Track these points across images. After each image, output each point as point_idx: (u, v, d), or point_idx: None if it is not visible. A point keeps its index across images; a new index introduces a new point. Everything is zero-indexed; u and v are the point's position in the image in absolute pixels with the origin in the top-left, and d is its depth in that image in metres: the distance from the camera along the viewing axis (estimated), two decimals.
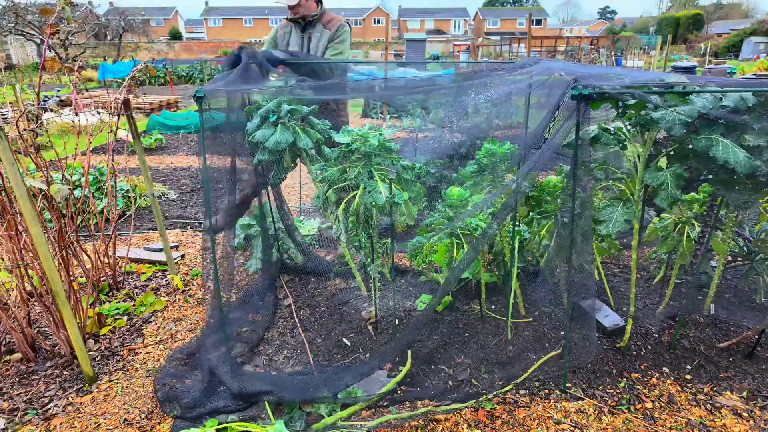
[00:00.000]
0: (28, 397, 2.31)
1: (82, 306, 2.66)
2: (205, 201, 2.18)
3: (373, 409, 2.17)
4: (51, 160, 3.15)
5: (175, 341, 2.75)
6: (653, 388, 2.27)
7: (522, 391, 2.27)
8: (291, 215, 3.51)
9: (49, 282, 2.22)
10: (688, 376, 2.34)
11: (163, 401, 2.20)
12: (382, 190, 2.39)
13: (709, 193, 2.40)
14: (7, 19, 22.90)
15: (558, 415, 2.13)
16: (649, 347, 2.53)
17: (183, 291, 3.30)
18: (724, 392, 2.23)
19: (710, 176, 2.13)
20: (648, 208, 2.48)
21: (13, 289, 2.54)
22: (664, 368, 2.39)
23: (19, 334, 2.46)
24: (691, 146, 2.00)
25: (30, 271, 2.50)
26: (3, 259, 2.49)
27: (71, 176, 2.80)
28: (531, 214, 2.69)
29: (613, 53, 21.77)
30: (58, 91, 12.46)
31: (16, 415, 2.20)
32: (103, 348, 2.68)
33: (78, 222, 2.85)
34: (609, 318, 2.66)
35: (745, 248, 2.74)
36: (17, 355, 2.56)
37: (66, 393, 2.33)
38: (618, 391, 2.25)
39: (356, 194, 2.51)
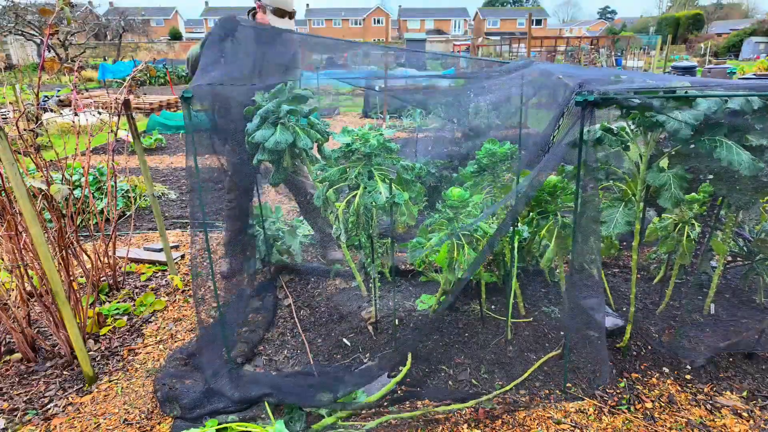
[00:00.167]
0: (28, 397, 2.31)
1: (82, 306, 2.66)
2: (191, 202, 2.17)
3: (373, 409, 2.17)
4: (51, 160, 3.14)
5: (175, 341, 2.75)
6: (653, 388, 2.27)
7: (522, 391, 2.26)
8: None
9: (49, 282, 2.22)
10: (688, 376, 2.34)
11: (163, 401, 2.20)
12: (382, 191, 2.39)
13: (710, 193, 2.40)
14: (7, 19, 22.90)
15: (558, 415, 2.13)
16: (649, 347, 2.53)
17: (183, 291, 3.30)
18: (724, 392, 2.23)
19: (711, 176, 2.13)
20: (649, 208, 2.48)
21: (13, 289, 2.54)
22: (664, 368, 2.39)
23: (19, 334, 2.46)
24: (693, 147, 2.00)
25: (30, 271, 2.50)
26: (3, 259, 2.49)
27: (71, 176, 2.80)
28: (531, 214, 2.69)
29: (613, 53, 21.76)
30: (58, 91, 12.46)
31: (16, 415, 2.20)
32: (103, 348, 2.68)
33: (78, 222, 2.85)
34: (609, 318, 2.66)
35: (745, 248, 2.74)
36: (17, 355, 2.56)
37: (66, 393, 2.33)
38: (618, 391, 2.25)
39: (356, 194, 2.51)
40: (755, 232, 2.71)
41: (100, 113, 4.94)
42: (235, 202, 2.98)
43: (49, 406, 2.25)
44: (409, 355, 2.46)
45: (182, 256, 3.85)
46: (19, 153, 2.49)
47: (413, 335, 2.65)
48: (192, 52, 3.14)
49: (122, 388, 2.37)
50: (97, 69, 20.26)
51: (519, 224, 2.60)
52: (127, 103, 2.90)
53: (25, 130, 2.48)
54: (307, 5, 64.33)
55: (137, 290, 3.31)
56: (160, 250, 3.78)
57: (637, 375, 2.35)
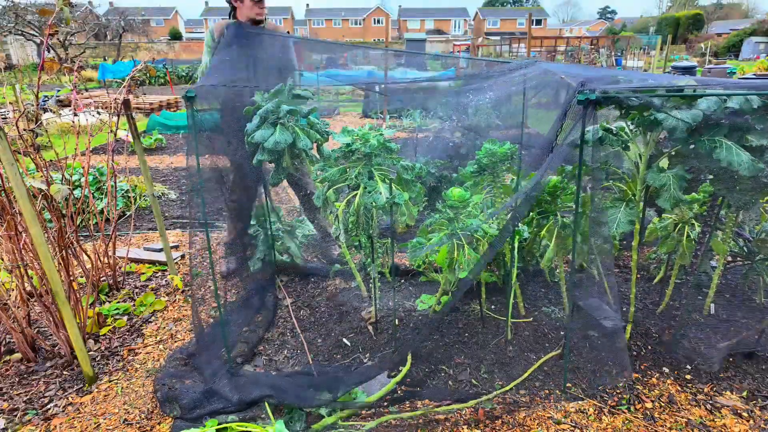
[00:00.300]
0: (28, 397, 2.31)
1: (82, 306, 2.66)
2: (191, 202, 2.17)
3: (373, 409, 2.17)
4: (51, 160, 3.14)
5: (175, 341, 2.75)
6: (653, 388, 2.27)
7: (522, 391, 2.26)
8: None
9: (49, 282, 2.22)
10: (688, 376, 2.34)
11: (163, 401, 2.20)
12: (382, 191, 2.39)
13: (710, 194, 2.40)
14: (7, 19, 22.90)
15: (558, 415, 2.13)
16: (649, 347, 2.53)
17: (183, 291, 3.30)
18: (724, 392, 2.23)
19: (711, 177, 2.13)
20: (649, 208, 2.48)
21: (13, 289, 2.54)
22: (664, 368, 2.39)
23: (19, 334, 2.46)
24: (693, 147, 2.00)
25: (30, 271, 2.50)
26: (3, 259, 2.49)
27: (71, 176, 2.80)
28: (531, 214, 2.69)
29: (613, 53, 21.76)
30: (58, 91, 12.45)
31: (16, 415, 2.20)
32: (103, 348, 2.68)
33: (78, 222, 2.85)
34: (609, 318, 2.66)
35: (745, 248, 2.74)
36: (17, 355, 2.56)
37: (66, 393, 2.33)
38: (618, 391, 2.25)
39: (356, 194, 2.51)
40: (755, 232, 2.71)
41: (99, 113, 4.94)
42: (237, 203, 2.98)
43: (49, 406, 2.25)
44: (409, 355, 2.46)
45: (182, 256, 3.85)
46: (19, 153, 2.49)
47: (413, 335, 2.66)
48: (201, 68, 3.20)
49: (122, 388, 2.37)
50: (97, 69, 20.27)
51: (519, 224, 2.60)
52: (126, 103, 2.90)
53: (25, 130, 2.48)
54: (307, 5, 64.33)
55: (137, 290, 3.31)
56: (160, 250, 3.78)
57: (637, 375, 2.35)
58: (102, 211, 4.19)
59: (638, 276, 3.18)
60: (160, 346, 2.71)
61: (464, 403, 2.16)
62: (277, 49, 3.17)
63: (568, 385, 2.29)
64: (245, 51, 2.80)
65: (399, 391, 2.27)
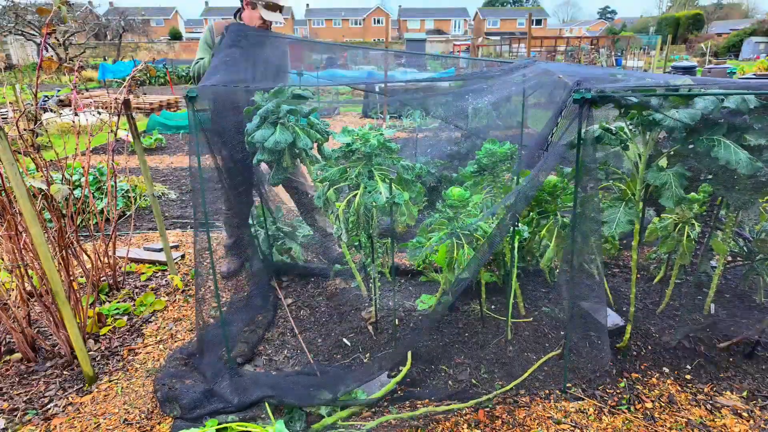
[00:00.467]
0: (28, 397, 2.31)
1: (82, 306, 2.66)
2: (193, 201, 2.17)
3: (373, 409, 2.17)
4: (51, 160, 3.15)
5: (175, 341, 2.75)
6: (653, 388, 2.27)
7: (522, 391, 2.26)
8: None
9: (49, 282, 2.22)
10: (688, 376, 2.34)
11: (163, 401, 2.20)
12: (382, 191, 2.39)
13: (709, 193, 2.40)
14: (7, 19, 22.90)
15: (558, 415, 2.13)
16: (649, 347, 2.53)
17: (183, 291, 3.30)
18: (724, 392, 2.23)
19: (710, 176, 2.13)
20: (648, 208, 2.48)
21: (13, 289, 2.54)
22: (664, 368, 2.39)
23: (19, 334, 2.46)
24: (692, 146, 2.00)
25: (30, 271, 2.50)
26: (3, 259, 2.49)
27: (71, 176, 2.80)
28: (531, 213, 2.69)
29: (613, 53, 21.76)
30: (58, 91, 12.46)
31: (16, 415, 2.20)
32: (103, 348, 2.68)
33: (78, 222, 2.85)
34: (609, 318, 2.66)
35: (745, 248, 2.74)
36: (17, 355, 2.56)
37: (66, 393, 2.33)
38: (618, 391, 2.25)
39: (357, 194, 2.51)
40: (755, 231, 2.71)
41: (99, 113, 4.94)
42: (238, 203, 2.98)
43: (49, 406, 2.25)
44: (409, 355, 2.46)
45: (182, 256, 3.85)
46: (19, 153, 2.49)
47: (413, 335, 2.65)
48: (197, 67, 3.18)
49: (122, 388, 2.37)
50: (97, 69, 20.27)
51: (519, 224, 2.60)
52: (127, 103, 2.90)
53: (25, 129, 2.48)
54: (307, 5, 64.34)
55: (137, 290, 3.31)
56: (160, 250, 3.78)
57: (637, 375, 2.35)
58: (102, 211, 4.19)
59: (638, 276, 3.18)
60: (160, 346, 2.71)
61: (464, 403, 2.16)
62: (278, 53, 3.17)
63: (568, 385, 2.29)
64: (247, 52, 2.80)
65: (399, 391, 2.27)
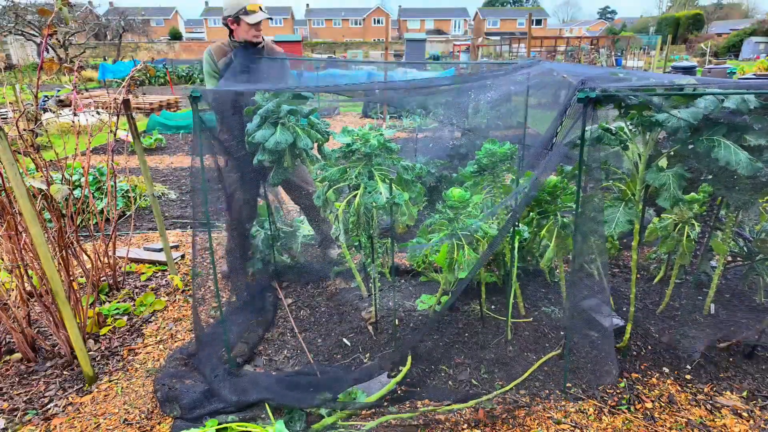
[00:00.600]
0: (28, 397, 2.31)
1: (82, 306, 2.66)
2: (194, 201, 2.17)
3: (373, 409, 2.17)
4: (51, 160, 3.14)
5: (175, 341, 2.75)
6: (653, 388, 2.27)
7: (522, 391, 2.26)
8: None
9: (49, 282, 2.22)
10: (688, 376, 2.34)
11: (163, 401, 2.20)
12: (382, 191, 2.39)
13: (709, 193, 2.40)
14: (7, 19, 22.90)
15: (558, 415, 2.13)
16: (649, 347, 2.53)
17: (183, 291, 3.30)
18: (724, 392, 2.23)
19: (710, 176, 2.13)
20: (648, 208, 2.48)
21: (13, 289, 2.54)
22: (664, 368, 2.39)
23: (19, 334, 2.46)
24: (692, 147, 2.00)
25: (30, 271, 2.50)
26: (3, 259, 2.49)
27: (71, 176, 2.80)
28: (531, 214, 2.69)
29: (613, 53, 21.75)
30: (58, 91, 12.46)
31: (16, 415, 2.20)
32: (103, 348, 2.68)
33: (78, 222, 2.85)
34: (609, 318, 2.66)
35: (745, 248, 2.74)
36: (17, 355, 2.56)
37: (66, 393, 2.33)
38: (618, 391, 2.25)
39: (356, 194, 2.51)
40: (755, 231, 2.71)
41: (99, 113, 4.94)
42: (238, 203, 2.97)
43: (49, 406, 2.25)
44: (409, 355, 2.46)
45: (182, 256, 3.85)
46: (19, 153, 2.49)
47: (413, 335, 2.65)
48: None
49: (122, 388, 2.37)
50: (97, 69, 20.28)
51: (519, 224, 2.61)
52: (126, 103, 2.90)
53: (24, 130, 2.48)
54: (307, 5, 64.33)
55: (137, 290, 3.31)
56: (160, 250, 3.78)
57: (637, 375, 2.35)
58: (102, 211, 4.19)
59: (638, 276, 3.18)
60: (160, 346, 2.71)
61: (464, 403, 2.16)
62: (279, 69, 3.19)
63: (568, 385, 2.29)
64: (253, 76, 2.88)
65: (399, 391, 2.27)
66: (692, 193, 2.46)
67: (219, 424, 1.97)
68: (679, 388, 2.26)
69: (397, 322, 2.74)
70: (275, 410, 2.12)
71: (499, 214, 2.63)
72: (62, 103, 11.31)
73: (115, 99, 2.85)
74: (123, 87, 2.88)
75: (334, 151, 2.63)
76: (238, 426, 1.97)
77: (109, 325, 2.87)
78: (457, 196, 2.37)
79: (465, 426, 2.08)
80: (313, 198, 2.73)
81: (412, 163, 2.65)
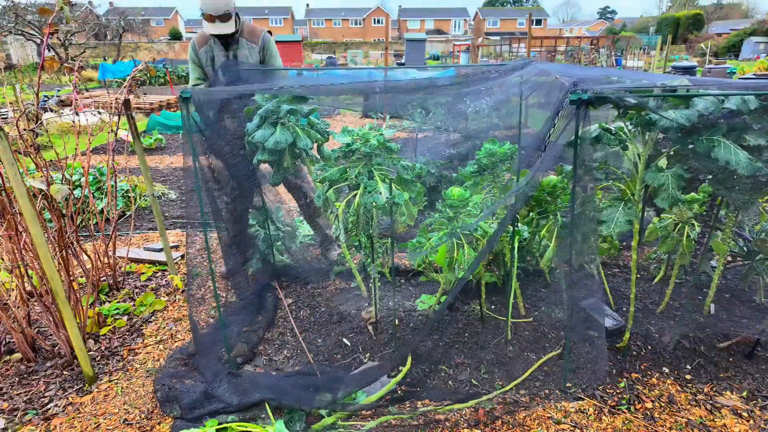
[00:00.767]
0: (28, 397, 2.31)
1: (82, 306, 2.66)
2: (188, 202, 2.17)
3: (373, 409, 2.17)
4: (51, 160, 3.14)
5: (175, 341, 2.75)
6: (653, 388, 2.27)
7: (522, 391, 2.26)
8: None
9: (49, 282, 2.22)
10: (688, 376, 2.34)
11: (163, 401, 2.20)
12: (382, 191, 2.39)
13: (709, 194, 2.40)
14: (7, 19, 22.89)
15: (558, 415, 2.13)
16: (649, 347, 2.53)
17: (183, 291, 3.30)
18: (724, 392, 2.23)
19: (710, 176, 2.13)
20: (648, 208, 2.48)
21: (13, 289, 2.54)
22: (664, 368, 2.39)
23: (19, 334, 2.46)
24: (691, 147, 2.00)
25: (30, 271, 2.50)
26: (3, 259, 2.49)
27: (71, 176, 2.80)
28: (531, 214, 2.69)
29: (613, 53, 21.75)
30: (58, 91, 12.46)
31: (16, 415, 2.20)
32: (103, 348, 2.68)
33: (78, 222, 2.85)
34: (609, 318, 2.66)
35: (745, 248, 2.74)
36: (17, 355, 2.56)
37: (66, 393, 2.33)
38: (618, 391, 2.25)
39: (356, 194, 2.51)
40: (755, 231, 2.71)
41: (100, 113, 4.94)
42: (234, 202, 2.97)
43: (49, 406, 2.25)
44: (409, 355, 2.46)
45: (182, 256, 3.85)
46: (19, 153, 2.49)
47: (413, 335, 2.65)
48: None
49: (122, 388, 2.37)
50: (97, 69, 20.27)
51: (519, 224, 2.60)
52: (127, 103, 2.90)
53: (25, 130, 2.48)
54: (307, 5, 64.32)
55: (137, 290, 3.31)
56: (160, 250, 3.78)
57: (637, 375, 2.35)
58: (102, 211, 4.19)
59: (638, 276, 3.18)
60: (160, 346, 2.71)
61: (464, 403, 2.16)
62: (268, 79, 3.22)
63: (568, 385, 2.28)
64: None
65: (399, 391, 2.27)
66: (692, 193, 2.46)
67: (219, 424, 1.97)
68: (679, 388, 2.26)
69: (397, 322, 2.74)
70: (275, 410, 2.12)
71: (499, 213, 2.63)
72: (63, 103, 11.32)
73: (115, 99, 2.85)
74: (125, 87, 2.88)
75: (334, 151, 2.63)
76: (238, 426, 1.97)
77: (109, 325, 2.87)
78: (457, 195, 2.37)
79: (465, 426, 2.08)
80: (314, 198, 2.73)
81: (412, 163, 2.65)
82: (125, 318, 2.96)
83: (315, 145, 2.91)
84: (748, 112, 1.88)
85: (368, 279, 3.05)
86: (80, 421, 2.16)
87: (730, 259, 2.99)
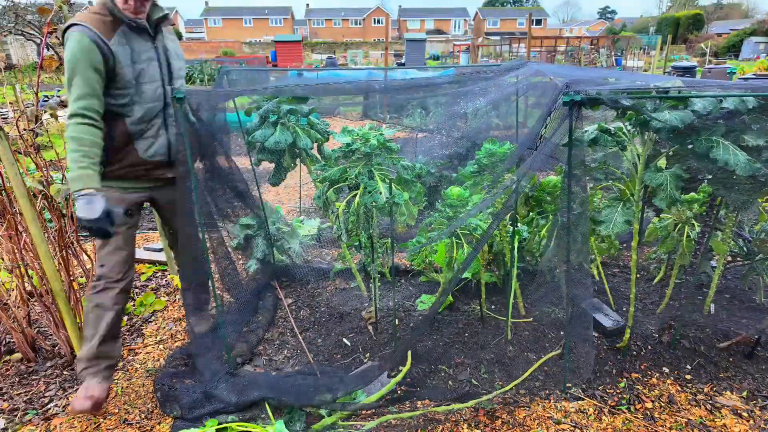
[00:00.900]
0: (28, 397, 2.31)
1: (82, 306, 2.66)
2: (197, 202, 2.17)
3: (373, 409, 2.17)
4: (51, 160, 3.15)
5: (175, 341, 2.75)
6: (653, 388, 2.27)
7: (522, 391, 2.26)
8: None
9: (49, 282, 2.22)
10: (688, 376, 2.34)
11: (163, 401, 2.20)
12: (382, 190, 2.39)
13: (709, 194, 2.40)
14: (7, 19, 22.90)
15: (558, 415, 2.13)
16: (649, 347, 2.53)
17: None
18: (724, 392, 2.23)
19: (709, 176, 2.14)
20: (648, 208, 2.49)
21: (13, 289, 2.54)
22: (664, 368, 2.39)
23: (19, 334, 2.46)
24: (691, 147, 2.00)
25: (30, 271, 2.50)
26: (3, 259, 2.49)
27: None
28: (531, 214, 2.69)
29: (613, 53, 21.75)
30: (58, 91, 12.46)
31: (16, 415, 2.20)
32: None
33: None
34: (609, 318, 2.66)
35: (745, 248, 2.75)
36: (17, 355, 2.56)
37: (66, 393, 2.33)
38: (618, 391, 2.25)
39: (356, 194, 2.51)
40: (755, 231, 2.71)
41: None
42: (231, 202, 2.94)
43: (49, 406, 2.25)
44: (409, 355, 2.46)
45: None
46: (19, 153, 2.49)
47: (413, 335, 2.65)
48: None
49: (122, 388, 2.37)
50: None
51: (519, 224, 2.61)
52: None
53: (25, 129, 2.48)
54: (307, 5, 64.34)
55: (137, 290, 3.31)
56: (160, 250, 3.78)
57: (637, 375, 2.35)
58: None
59: (638, 276, 3.18)
60: (160, 346, 2.71)
61: (464, 403, 2.16)
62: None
63: (568, 385, 2.29)
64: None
65: (399, 391, 2.27)
66: (691, 194, 2.46)
67: (219, 424, 1.97)
68: (679, 388, 2.26)
69: (397, 322, 2.74)
70: (275, 410, 2.12)
71: (495, 208, 2.63)
72: (63, 104, 11.31)
73: None
74: None
75: (334, 150, 2.63)
76: (238, 426, 1.97)
77: None
78: (457, 195, 2.38)
79: (465, 426, 2.08)
80: (314, 198, 2.73)
81: (412, 163, 2.65)
82: (125, 318, 2.96)
83: (315, 145, 2.91)
84: (746, 112, 1.88)
85: (368, 279, 3.05)
86: (80, 421, 2.16)
87: (730, 259, 3.00)
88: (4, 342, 2.62)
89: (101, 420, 2.16)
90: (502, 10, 69.96)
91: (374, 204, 2.39)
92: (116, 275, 2.14)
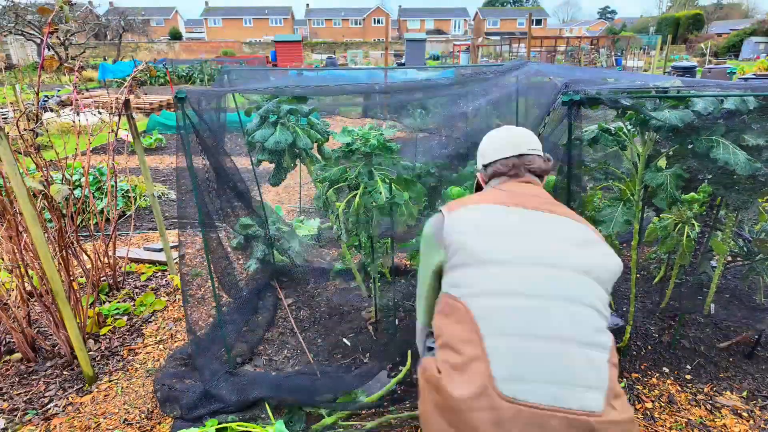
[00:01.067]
0: (28, 397, 2.31)
1: (82, 306, 2.66)
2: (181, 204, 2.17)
3: (373, 409, 2.17)
4: (51, 160, 3.15)
5: (175, 341, 2.75)
6: (653, 388, 2.27)
7: None
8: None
9: (49, 282, 2.22)
10: (688, 376, 2.34)
11: (163, 401, 2.20)
12: (382, 190, 2.39)
13: (709, 193, 2.40)
14: (7, 19, 22.90)
15: None
16: (649, 347, 2.53)
17: (183, 291, 3.30)
18: (724, 392, 2.23)
19: (709, 176, 2.14)
20: (648, 208, 2.48)
21: (13, 289, 2.54)
22: (664, 368, 2.39)
23: (19, 334, 2.46)
24: (691, 147, 2.00)
25: (30, 271, 2.50)
26: (3, 259, 2.49)
27: (71, 176, 2.80)
28: None
29: (613, 53, 21.75)
30: (59, 91, 12.47)
31: (16, 415, 2.20)
32: (103, 348, 2.68)
33: (78, 222, 2.85)
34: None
35: (745, 248, 2.74)
36: (17, 355, 2.56)
37: (66, 393, 2.33)
38: None
39: (356, 194, 2.51)
40: (755, 231, 2.71)
41: (100, 113, 4.95)
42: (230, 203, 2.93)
43: (49, 406, 2.25)
44: (409, 355, 2.45)
45: (182, 256, 3.85)
46: (20, 153, 2.49)
47: (412, 329, 2.64)
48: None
49: (122, 388, 2.37)
50: (97, 69, 20.28)
51: None
52: (127, 103, 2.90)
53: (25, 130, 2.48)
54: (307, 5, 64.32)
55: (137, 290, 3.31)
56: (160, 250, 3.78)
57: (637, 375, 2.35)
58: (102, 211, 4.19)
59: (638, 276, 3.18)
60: (160, 346, 2.71)
61: None
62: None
63: None
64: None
65: (399, 391, 2.27)
66: (691, 193, 2.46)
67: (219, 424, 1.97)
68: (679, 388, 2.26)
69: (397, 322, 2.74)
70: (275, 410, 2.12)
71: None
72: (63, 103, 11.32)
73: (116, 99, 2.85)
74: (125, 87, 2.88)
75: (334, 150, 2.63)
76: (238, 426, 1.97)
77: (109, 325, 2.87)
78: (456, 194, 2.37)
79: None
80: (314, 198, 2.73)
81: (412, 163, 2.65)
82: (125, 318, 2.96)
83: (315, 145, 2.91)
84: (746, 112, 1.88)
85: (368, 279, 3.04)
86: (80, 421, 2.16)
87: (730, 258, 2.99)
88: (4, 342, 2.62)
89: (101, 420, 2.16)
90: (502, 10, 69.94)
91: (374, 204, 2.39)
92: None
